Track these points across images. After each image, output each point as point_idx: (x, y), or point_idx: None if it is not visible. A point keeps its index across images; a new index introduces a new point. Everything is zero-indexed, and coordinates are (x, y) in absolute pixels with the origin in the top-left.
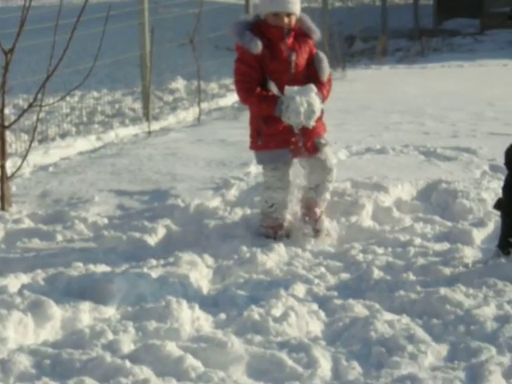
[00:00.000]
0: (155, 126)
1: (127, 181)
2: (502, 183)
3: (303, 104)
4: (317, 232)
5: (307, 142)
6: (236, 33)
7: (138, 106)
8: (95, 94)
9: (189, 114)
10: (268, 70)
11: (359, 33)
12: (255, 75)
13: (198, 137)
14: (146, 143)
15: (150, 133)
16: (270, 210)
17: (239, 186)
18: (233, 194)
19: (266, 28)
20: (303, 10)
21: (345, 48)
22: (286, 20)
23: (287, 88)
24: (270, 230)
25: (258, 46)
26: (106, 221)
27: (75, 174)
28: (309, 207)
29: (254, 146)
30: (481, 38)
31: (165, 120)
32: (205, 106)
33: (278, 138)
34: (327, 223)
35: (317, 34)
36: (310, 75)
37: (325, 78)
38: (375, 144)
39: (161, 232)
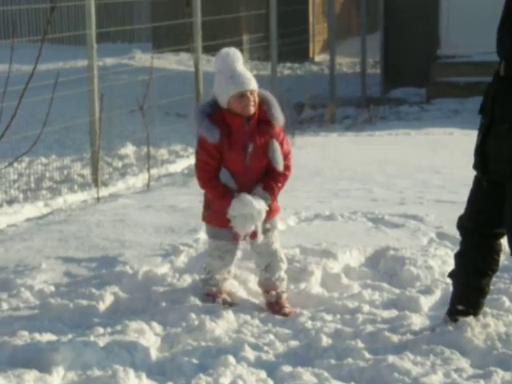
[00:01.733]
0: (104, 192)
1: (75, 248)
2: (448, 251)
3: (247, 221)
4: (274, 312)
5: None
6: (195, 119)
7: (86, 172)
8: (43, 159)
9: (138, 180)
10: (224, 157)
11: (308, 100)
12: (213, 164)
13: (147, 203)
14: (95, 209)
15: (98, 199)
16: (207, 276)
17: (188, 253)
18: (182, 260)
19: (227, 114)
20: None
21: (295, 115)
22: (251, 98)
23: (233, 205)
24: (209, 298)
25: (214, 136)
26: (52, 288)
27: (22, 241)
28: (265, 290)
29: (203, 217)
30: (427, 107)
31: (114, 186)
32: (154, 172)
33: (222, 216)
34: (288, 309)
35: (279, 121)
36: (268, 163)
37: (280, 167)
38: (324, 210)
39: (108, 299)
